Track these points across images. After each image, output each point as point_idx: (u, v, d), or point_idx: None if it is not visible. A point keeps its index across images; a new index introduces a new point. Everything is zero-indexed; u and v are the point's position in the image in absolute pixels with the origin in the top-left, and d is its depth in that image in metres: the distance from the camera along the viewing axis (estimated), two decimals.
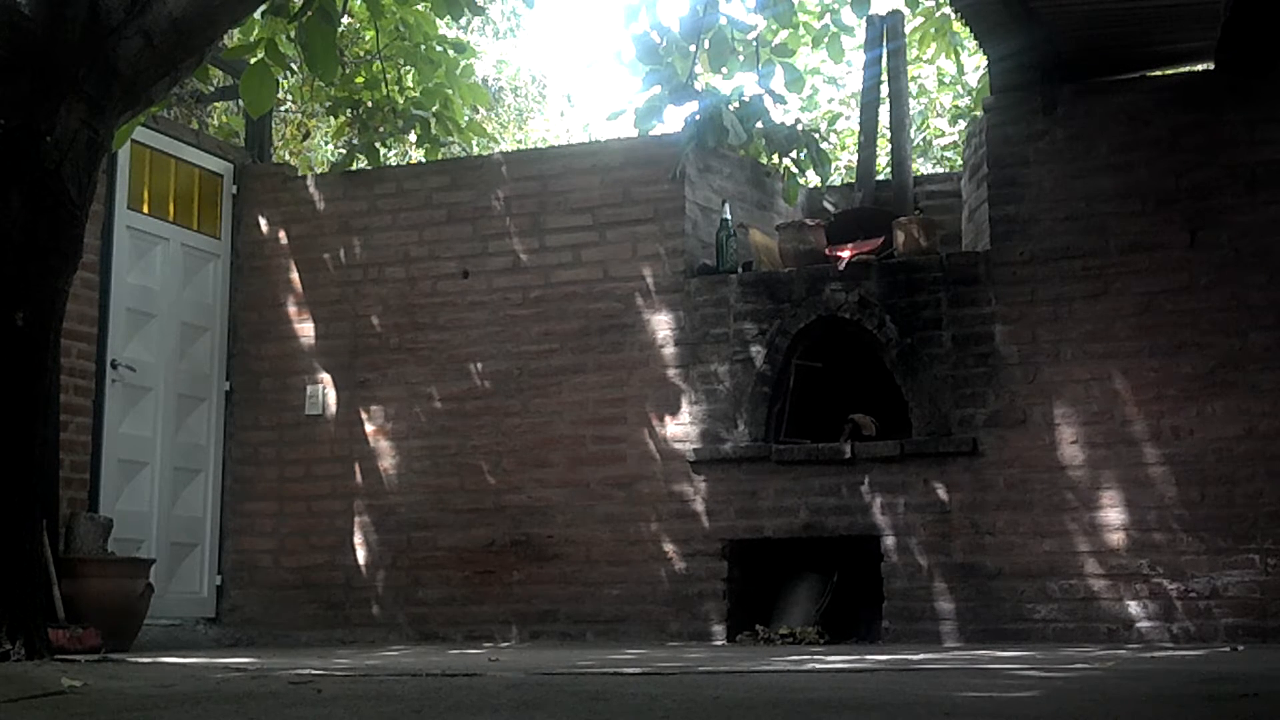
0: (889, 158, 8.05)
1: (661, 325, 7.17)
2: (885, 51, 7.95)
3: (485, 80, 14.27)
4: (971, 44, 8.57)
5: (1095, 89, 6.78)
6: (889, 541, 6.63)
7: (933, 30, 9.34)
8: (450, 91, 8.33)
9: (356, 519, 7.52)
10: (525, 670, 4.10)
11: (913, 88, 11.69)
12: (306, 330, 7.79)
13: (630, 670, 4.12)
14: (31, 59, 4.43)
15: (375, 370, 7.62)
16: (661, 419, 7.10)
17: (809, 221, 7.28)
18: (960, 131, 12.00)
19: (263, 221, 7.99)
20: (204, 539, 7.68)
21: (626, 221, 7.31)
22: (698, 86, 6.82)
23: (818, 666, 4.59)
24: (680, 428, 7.06)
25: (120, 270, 7.30)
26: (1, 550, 4.28)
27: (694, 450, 6.98)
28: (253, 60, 6.07)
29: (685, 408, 7.06)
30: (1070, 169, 6.68)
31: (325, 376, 7.71)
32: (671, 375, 7.11)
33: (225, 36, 6.64)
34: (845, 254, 6.95)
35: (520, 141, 16.57)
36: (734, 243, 7.19)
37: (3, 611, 4.20)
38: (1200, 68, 7.01)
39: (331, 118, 9.07)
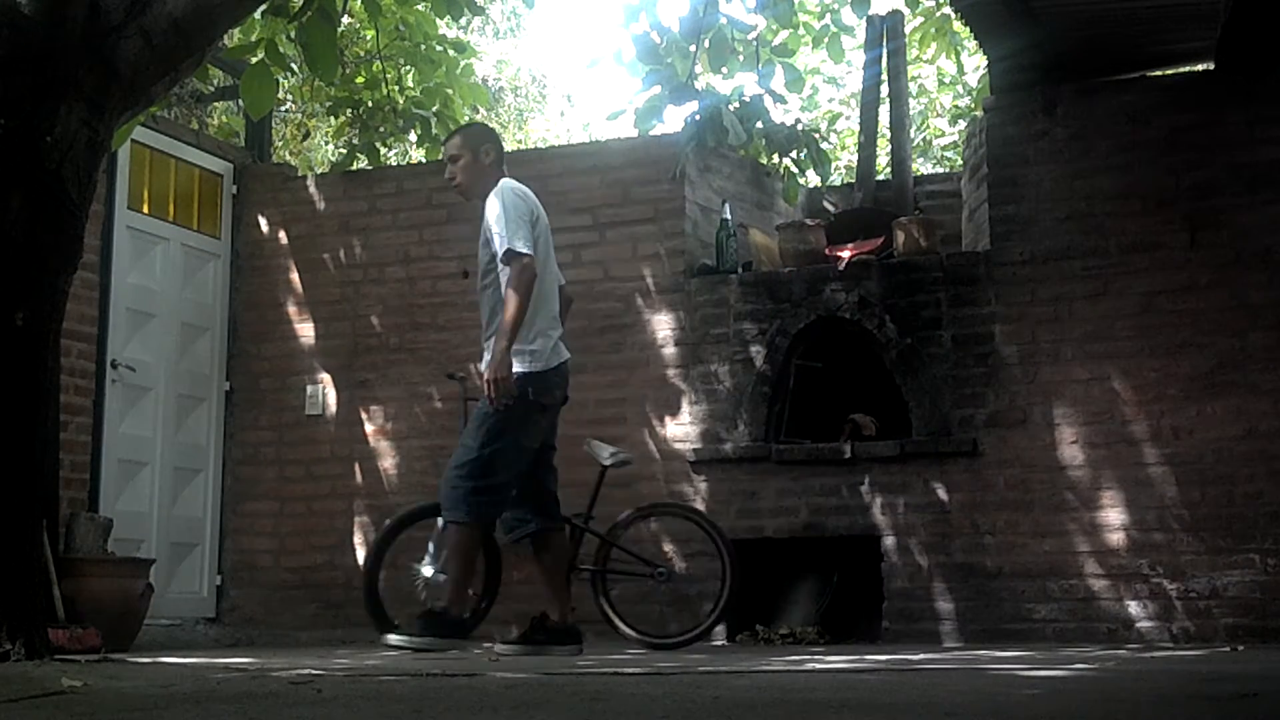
0: (889, 158, 8.05)
1: (661, 325, 7.17)
2: (885, 51, 7.96)
3: (485, 80, 14.28)
4: (971, 44, 8.58)
5: (1095, 89, 6.78)
6: (889, 541, 6.63)
7: (933, 30, 9.35)
8: (450, 91, 8.33)
9: (356, 519, 7.52)
10: (525, 670, 4.10)
11: (913, 88, 11.70)
12: (306, 330, 7.79)
13: (630, 670, 4.12)
14: (31, 59, 4.43)
15: (375, 370, 7.62)
16: (661, 419, 7.09)
17: (809, 221, 7.28)
18: (960, 131, 12.00)
19: (263, 221, 7.99)
20: (204, 539, 7.68)
21: (626, 221, 7.30)
22: (698, 86, 6.82)
23: (818, 666, 4.59)
24: (680, 428, 7.06)
25: (120, 270, 7.29)
26: (1, 550, 4.28)
27: (694, 450, 6.97)
28: (253, 60, 6.06)
29: (685, 408, 7.06)
30: (1070, 169, 6.68)
31: (325, 376, 7.71)
32: (671, 375, 7.11)
33: (225, 36, 6.63)
34: (845, 254, 6.95)
35: (520, 141, 16.58)
36: (734, 243, 7.19)
37: (3, 611, 4.20)
38: (1200, 68, 7.01)
39: (331, 118, 9.07)
